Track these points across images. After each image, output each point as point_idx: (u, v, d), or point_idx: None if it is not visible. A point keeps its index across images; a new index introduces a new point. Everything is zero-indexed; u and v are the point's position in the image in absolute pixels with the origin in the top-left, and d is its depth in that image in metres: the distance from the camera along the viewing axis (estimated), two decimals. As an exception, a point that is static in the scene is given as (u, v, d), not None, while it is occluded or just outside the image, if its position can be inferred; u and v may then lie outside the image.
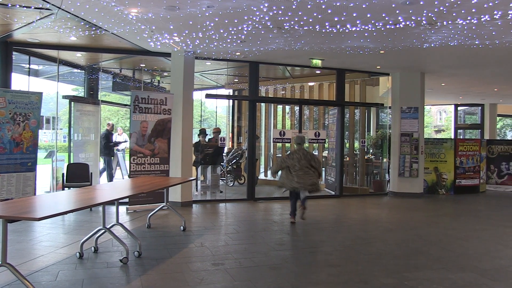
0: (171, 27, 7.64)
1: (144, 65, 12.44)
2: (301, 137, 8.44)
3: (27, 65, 10.32)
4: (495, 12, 6.39)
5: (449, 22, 6.96)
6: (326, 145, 13.89)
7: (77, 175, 9.18)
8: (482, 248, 6.50)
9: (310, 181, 7.93)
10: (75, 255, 5.61)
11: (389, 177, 12.63)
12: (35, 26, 7.86)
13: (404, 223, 8.37)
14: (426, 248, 6.41)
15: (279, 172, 8.41)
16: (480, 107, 20.48)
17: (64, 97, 10.47)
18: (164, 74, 13.38)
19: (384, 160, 13.15)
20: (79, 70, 12.09)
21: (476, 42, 8.23)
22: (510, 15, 6.49)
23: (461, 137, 21.15)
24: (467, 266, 5.52)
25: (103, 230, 5.78)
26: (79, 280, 4.75)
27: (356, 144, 12.47)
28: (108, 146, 12.12)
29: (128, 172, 9.58)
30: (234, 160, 12.94)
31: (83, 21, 7.41)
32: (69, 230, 7.22)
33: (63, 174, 9.19)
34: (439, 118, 37.34)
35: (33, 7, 6.72)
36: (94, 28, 7.80)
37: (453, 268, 5.44)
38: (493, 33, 7.53)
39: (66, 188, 8.83)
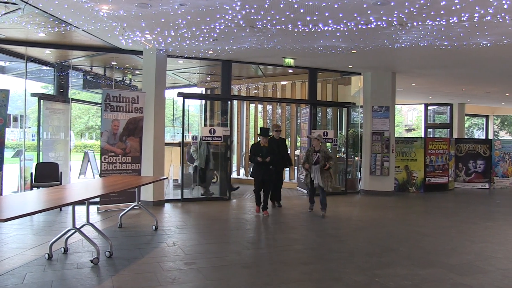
0: (143, 24, 7.55)
1: (115, 63, 12.28)
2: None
3: (-7, 62, 10.07)
4: (462, 15, 6.55)
5: (419, 23, 7.09)
6: (298, 144, 13.99)
7: (46, 175, 8.99)
8: (450, 245, 6.65)
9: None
10: (44, 257, 5.49)
11: (360, 175, 12.78)
12: (1, 21, 7.66)
13: (375, 221, 8.49)
14: (396, 245, 6.52)
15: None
16: (449, 107, 20.96)
17: (33, 95, 10.25)
18: (136, 72, 13.24)
19: (356, 158, 13.31)
20: (48, 67, 11.84)
21: (445, 43, 8.40)
22: (476, 18, 6.66)
23: (431, 136, 21.57)
24: (435, 262, 5.63)
25: (73, 231, 5.66)
26: (47, 282, 4.65)
27: (328, 143, 12.57)
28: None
29: (99, 171, 9.44)
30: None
31: (52, 17, 7.26)
32: (37, 231, 7.06)
33: (31, 173, 8.99)
34: (409, 117, 38.01)
35: (-2, 2, 6.56)
36: (63, 25, 7.65)
37: (422, 264, 5.54)
38: (461, 34, 7.71)
39: (34, 188, 8.64)
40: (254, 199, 9.00)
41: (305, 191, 11.96)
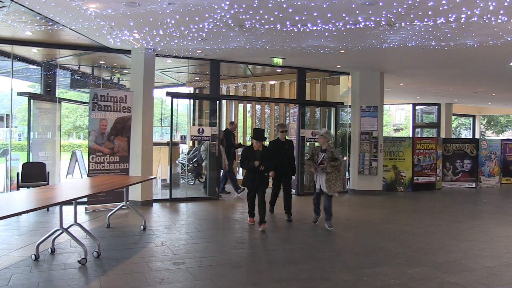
0: (131, 23, 7.51)
1: (103, 62, 12.20)
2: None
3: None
4: (450, 15, 6.60)
5: (407, 23, 7.13)
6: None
7: (33, 175, 8.90)
8: (437, 243, 6.70)
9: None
10: (30, 257, 5.43)
11: (349, 175, 12.84)
12: (-13, 20, 7.58)
13: (363, 220, 8.52)
14: (384, 244, 6.56)
15: None
16: (436, 107, 21.14)
17: (21, 94, 10.14)
18: (124, 71, 13.17)
19: (344, 158, 13.35)
20: (35, 66, 11.73)
21: (433, 44, 8.47)
22: (463, 18, 6.72)
23: (419, 135, 21.73)
24: (423, 261, 5.68)
25: (60, 231, 5.62)
26: (34, 283, 4.60)
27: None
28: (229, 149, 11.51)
29: (87, 171, 9.37)
30: (195, 159, 12.85)
31: (39, 16, 7.19)
32: (24, 232, 6.98)
33: (18, 173, 8.89)
34: (398, 117, 38.24)
35: (-16, 0, 6.48)
36: (50, 23, 7.58)
37: (410, 263, 5.58)
38: (448, 35, 7.77)
39: (21, 188, 8.55)
40: (247, 209, 7.87)
41: (294, 191, 11.97)
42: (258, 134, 7.70)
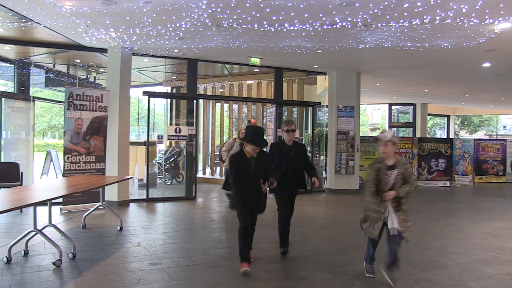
0: (107, 22, 7.42)
1: (79, 61, 12.02)
2: None
3: None
4: (425, 17, 6.72)
5: (383, 24, 7.23)
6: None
7: (6, 175, 8.72)
8: (413, 241, 6.77)
9: None
10: (2, 260, 5.31)
11: (326, 174, 12.92)
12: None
13: (340, 219, 8.60)
14: (361, 243, 6.59)
15: None
16: (412, 107, 21.45)
17: (-8, 92, 9.92)
18: (100, 70, 13.01)
19: (321, 157, 13.44)
20: (8, 64, 11.48)
21: (408, 44, 8.59)
22: (437, 20, 6.84)
23: (395, 135, 21.96)
24: (398, 259, 5.75)
25: (34, 232, 5.52)
26: (5, 286, 4.50)
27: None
28: None
29: (62, 171, 9.23)
30: (172, 159, 12.79)
31: (11, 12, 7.04)
32: (-4, 233, 6.85)
33: (-11, 174, 8.71)
34: (374, 117, 38.65)
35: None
36: (24, 20, 7.43)
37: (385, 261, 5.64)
38: (423, 36, 7.90)
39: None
40: (238, 249, 5.21)
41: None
42: (255, 136, 5.10)
